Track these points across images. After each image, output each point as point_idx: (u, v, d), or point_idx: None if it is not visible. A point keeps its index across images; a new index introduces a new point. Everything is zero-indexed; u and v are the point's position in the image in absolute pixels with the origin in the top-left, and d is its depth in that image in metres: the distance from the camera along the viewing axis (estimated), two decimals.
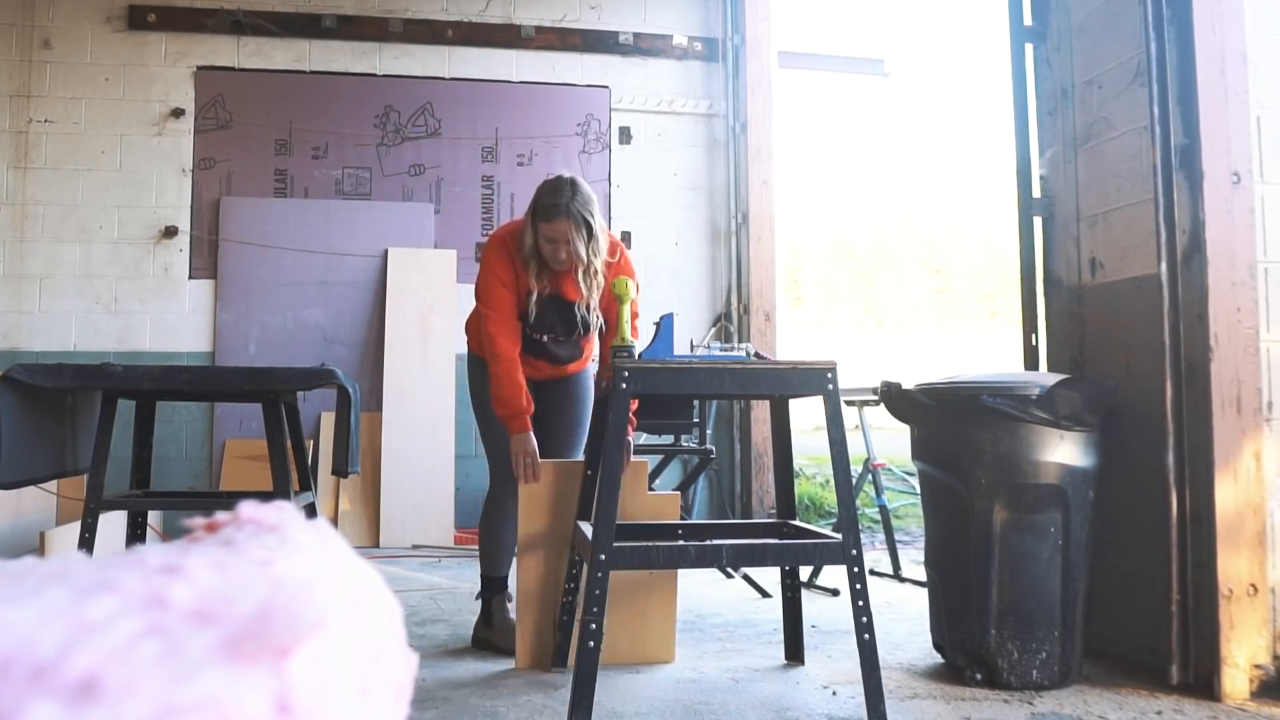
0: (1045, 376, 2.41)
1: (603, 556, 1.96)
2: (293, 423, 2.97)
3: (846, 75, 6.22)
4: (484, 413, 2.68)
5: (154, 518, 4.26)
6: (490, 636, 2.66)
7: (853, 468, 2.56)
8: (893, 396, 2.53)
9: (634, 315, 2.61)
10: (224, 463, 4.77)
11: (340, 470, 2.78)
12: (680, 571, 3.69)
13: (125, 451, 3.26)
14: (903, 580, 3.67)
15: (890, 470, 6.38)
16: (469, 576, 3.87)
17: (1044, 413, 2.27)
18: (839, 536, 2.08)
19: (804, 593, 3.11)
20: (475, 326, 2.74)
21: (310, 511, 3.01)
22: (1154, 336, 2.39)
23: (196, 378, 2.74)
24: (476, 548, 4.29)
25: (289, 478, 2.73)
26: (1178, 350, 2.35)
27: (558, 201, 2.47)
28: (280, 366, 3.70)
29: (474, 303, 2.66)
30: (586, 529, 2.23)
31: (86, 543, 2.65)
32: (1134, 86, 2.49)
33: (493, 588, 2.71)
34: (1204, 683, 2.24)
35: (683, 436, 3.91)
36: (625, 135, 5.27)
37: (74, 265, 4.79)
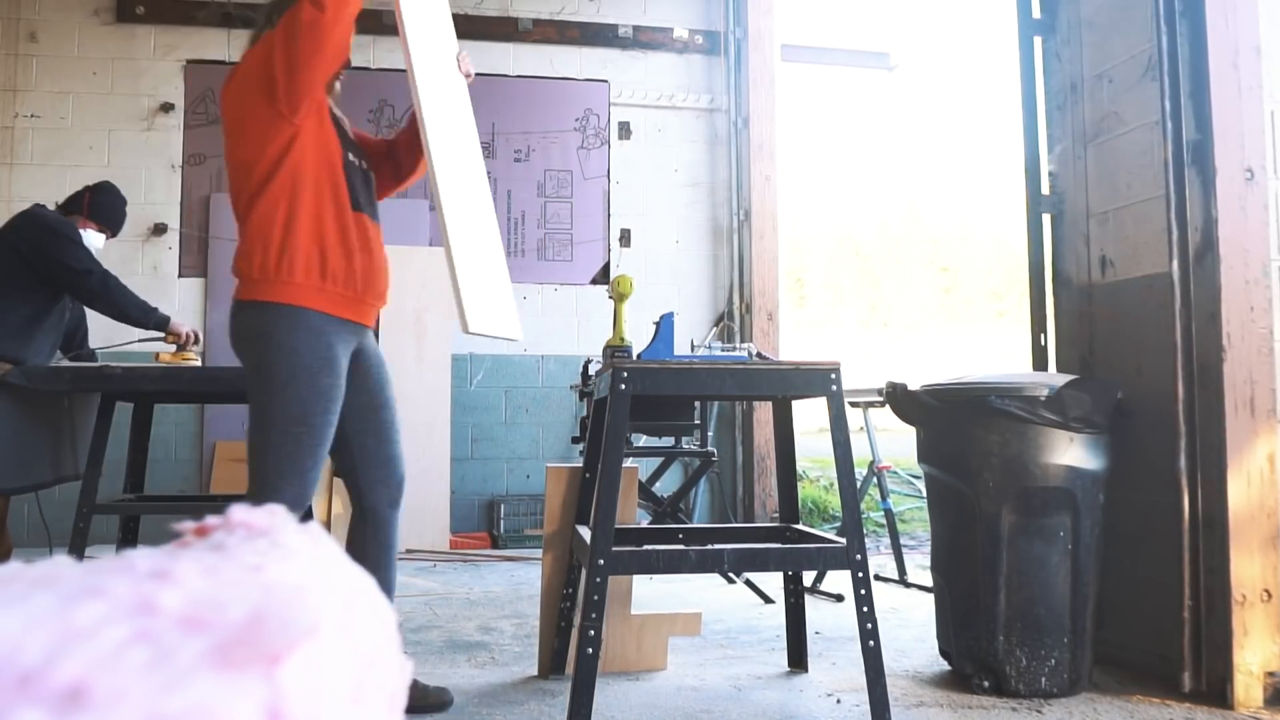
0: (1054, 377, 2.37)
1: (601, 561, 1.91)
2: None
3: (851, 69, 6.17)
4: (285, 388, 1.94)
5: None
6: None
7: (857, 471, 2.51)
8: (898, 398, 2.48)
9: None
10: (214, 465, 4.71)
11: None
12: (681, 577, 3.65)
13: (116, 454, 3.20)
14: (908, 585, 3.63)
15: (895, 473, 6.33)
16: (464, 582, 3.82)
17: (1053, 414, 2.22)
18: (843, 541, 2.05)
19: (807, 598, 3.06)
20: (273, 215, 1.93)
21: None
22: (1165, 336, 2.35)
23: (198, 378, 2.71)
24: (473, 552, 4.21)
25: None
26: (1190, 350, 2.31)
27: None
28: None
29: None
30: (585, 533, 2.18)
31: (78, 547, 2.61)
32: (1145, 81, 2.44)
33: None
34: (1216, 690, 2.21)
35: (683, 439, 3.86)
36: (625, 130, 5.22)
37: None
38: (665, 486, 4.39)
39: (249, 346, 1.98)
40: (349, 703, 0.36)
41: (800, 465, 6.33)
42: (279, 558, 0.38)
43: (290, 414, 1.93)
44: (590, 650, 1.88)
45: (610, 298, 2.28)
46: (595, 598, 1.90)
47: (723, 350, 2.29)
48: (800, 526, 2.44)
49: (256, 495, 1.98)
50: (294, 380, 1.93)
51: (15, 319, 2.87)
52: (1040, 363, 2.82)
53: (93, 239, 3.09)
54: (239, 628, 0.32)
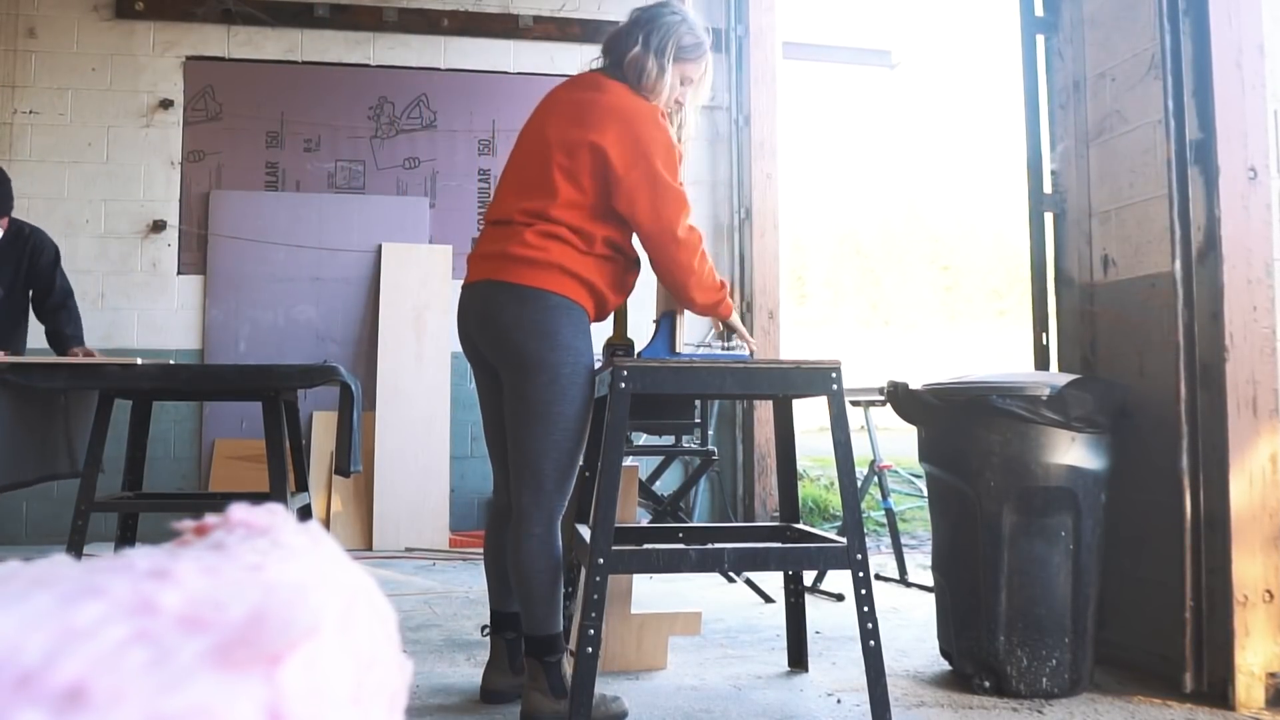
0: (1056, 376, 2.36)
1: (601, 560, 1.90)
2: (292, 422, 2.90)
3: (853, 67, 6.16)
4: (569, 389, 1.96)
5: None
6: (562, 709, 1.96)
7: (858, 470, 2.50)
8: (899, 397, 2.48)
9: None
10: (213, 463, 4.70)
11: (343, 470, 2.72)
12: (681, 576, 3.64)
13: (113, 451, 3.19)
14: (909, 585, 3.62)
15: (896, 472, 6.31)
16: (464, 580, 3.81)
17: (1054, 414, 2.21)
18: (843, 540, 2.05)
19: (808, 598, 3.05)
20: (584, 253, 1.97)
21: (305, 513, 2.95)
22: (1168, 336, 2.34)
23: (196, 376, 2.70)
24: (472, 550, 4.18)
25: (286, 479, 2.66)
26: (1192, 350, 2.30)
27: (703, 38, 2.10)
28: (281, 364, 3.62)
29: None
30: (585, 532, 2.17)
31: (76, 545, 2.60)
32: (1148, 79, 2.44)
33: (559, 645, 2.04)
34: (1218, 691, 2.20)
35: (684, 437, 3.85)
36: None
37: None
38: (665, 485, 4.38)
39: (528, 337, 1.96)
40: (349, 703, 0.36)
41: (801, 464, 6.32)
42: (279, 557, 0.38)
43: (574, 411, 1.98)
44: (590, 649, 1.87)
45: None
46: (595, 597, 1.89)
47: (723, 349, 2.28)
48: (801, 526, 2.43)
49: (543, 492, 1.99)
50: (576, 379, 1.98)
51: None
52: (1042, 362, 2.81)
53: None
54: (239, 627, 0.32)
